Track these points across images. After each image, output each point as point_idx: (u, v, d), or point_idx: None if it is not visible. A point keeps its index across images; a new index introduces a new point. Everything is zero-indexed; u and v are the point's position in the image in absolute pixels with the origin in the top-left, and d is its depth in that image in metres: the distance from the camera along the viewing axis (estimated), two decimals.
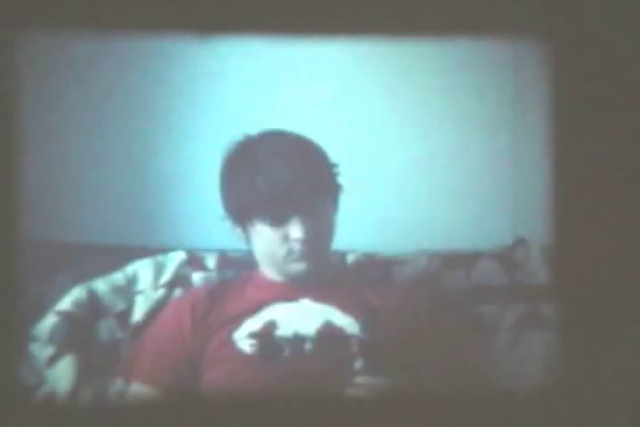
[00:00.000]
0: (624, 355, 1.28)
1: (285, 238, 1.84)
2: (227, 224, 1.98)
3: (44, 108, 2.39)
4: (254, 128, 2.22)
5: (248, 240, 1.92)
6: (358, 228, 2.08)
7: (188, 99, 2.47)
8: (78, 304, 2.02)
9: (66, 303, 2.02)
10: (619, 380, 1.28)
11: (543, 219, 1.30)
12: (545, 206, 1.29)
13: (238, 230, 1.91)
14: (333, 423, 1.33)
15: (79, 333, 1.99)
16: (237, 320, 1.88)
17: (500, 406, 1.35)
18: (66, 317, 1.99)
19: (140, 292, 2.05)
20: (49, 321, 2.00)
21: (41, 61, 2.34)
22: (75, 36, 1.54)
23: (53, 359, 1.97)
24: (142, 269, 2.07)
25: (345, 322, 1.86)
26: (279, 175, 1.84)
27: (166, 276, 2.08)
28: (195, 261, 2.11)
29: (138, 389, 1.88)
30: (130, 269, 2.07)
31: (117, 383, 1.95)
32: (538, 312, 2.05)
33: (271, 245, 1.86)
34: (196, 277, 2.08)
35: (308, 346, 1.84)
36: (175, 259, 2.10)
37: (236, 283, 1.98)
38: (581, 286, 1.28)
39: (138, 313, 2.02)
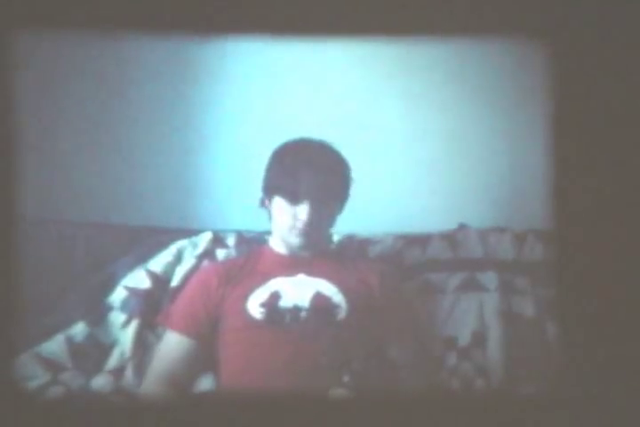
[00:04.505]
0: (623, 353, 1.30)
1: (295, 217, 2.21)
2: (254, 205, 2.30)
3: (45, 108, 2.55)
4: (260, 128, 2.59)
5: (270, 215, 2.26)
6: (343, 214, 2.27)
7: (190, 99, 2.64)
8: (140, 282, 2.40)
9: (131, 281, 2.40)
10: (618, 378, 1.31)
11: (542, 211, 1.32)
12: (545, 202, 1.30)
13: (266, 204, 2.25)
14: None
15: (146, 303, 2.37)
16: (250, 289, 2.22)
17: (500, 405, 1.39)
18: (133, 291, 2.38)
19: (180, 264, 2.44)
20: (120, 294, 2.39)
21: (41, 61, 2.48)
22: (75, 36, 1.73)
23: (125, 324, 2.35)
24: (183, 248, 2.46)
25: (332, 292, 2.22)
26: (307, 172, 2.18)
27: (198, 251, 2.46)
28: (218, 239, 2.50)
29: (170, 337, 2.24)
30: (174, 248, 2.45)
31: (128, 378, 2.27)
32: (474, 278, 2.41)
33: (283, 217, 2.22)
34: (219, 252, 2.46)
35: (303, 314, 2.18)
36: (205, 238, 2.49)
37: (251, 258, 2.33)
38: (582, 290, 1.30)
39: (176, 279, 2.41)
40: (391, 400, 1.42)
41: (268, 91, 2.67)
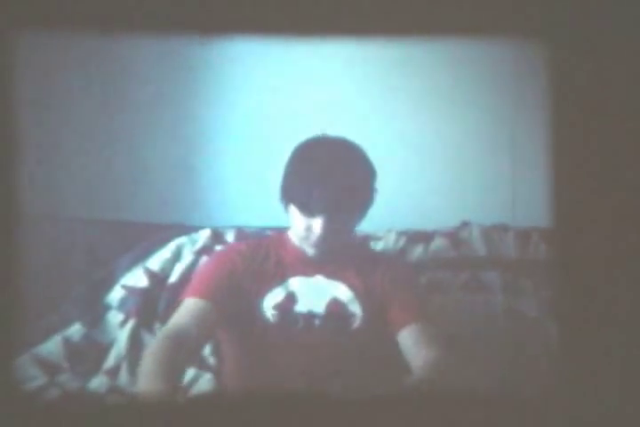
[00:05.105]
0: (624, 353, 1.27)
1: (308, 228, 2.04)
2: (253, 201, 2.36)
3: (45, 107, 2.56)
4: (258, 126, 2.57)
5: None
6: None
7: (189, 98, 2.66)
8: (138, 281, 2.39)
9: (129, 280, 2.40)
10: (619, 379, 1.28)
11: (542, 209, 1.30)
12: (546, 201, 1.27)
13: (283, 204, 2.08)
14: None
15: (143, 303, 2.36)
16: (267, 289, 2.10)
17: (501, 406, 1.34)
18: (131, 290, 2.38)
19: (179, 261, 2.43)
20: (118, 293, 2.38)
21: (41, 61, 2.49)
22: (75, 36, 1.72)
23: (123, 323, 2.35)
24: (182, 245, 2.44)
25: (348, 298, 2.10)
26: (324, 184, 1.98)
27: (196, 247, 2.45)
28: (218, 235, 2.47)
29: (183, 305, 2.06)
30: (173, 245, 2.44)
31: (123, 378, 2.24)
32: (478, 279, 2.39)
33: (297, 226, 2.06)
34: (218, 248, 2.41)
35: (317, 321, 2.09)
36: (204, 235, 2.47)
37: (272, 246, 2.17)
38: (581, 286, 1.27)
39: (174, 275, 2.40)
40: (391, 400, 1.40)
41: (268, 90, 2.68)
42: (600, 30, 1.27)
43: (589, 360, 1.28)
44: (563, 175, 1.27)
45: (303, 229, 2.06)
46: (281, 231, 2.21)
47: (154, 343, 1.97)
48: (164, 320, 2.25)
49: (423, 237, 2.50)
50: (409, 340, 2.04)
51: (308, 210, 2.03)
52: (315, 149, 2.08)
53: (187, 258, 2.44)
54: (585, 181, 1.28)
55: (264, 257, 2.16)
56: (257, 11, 1.27)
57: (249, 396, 1.73)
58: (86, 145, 2.66)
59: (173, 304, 2.19)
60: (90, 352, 2.31)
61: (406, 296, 2.13)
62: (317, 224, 2.04)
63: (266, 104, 2.67)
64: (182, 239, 2.48)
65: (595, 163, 1.28)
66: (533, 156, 2.41)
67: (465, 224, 2.55)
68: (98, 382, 2.27)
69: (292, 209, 2.07)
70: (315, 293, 2.13)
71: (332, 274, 2.15)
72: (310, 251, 2.11)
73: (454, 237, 2.50)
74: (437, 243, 2.48)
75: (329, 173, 2.01)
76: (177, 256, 2.44)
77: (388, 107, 2.68)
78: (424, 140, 2.69)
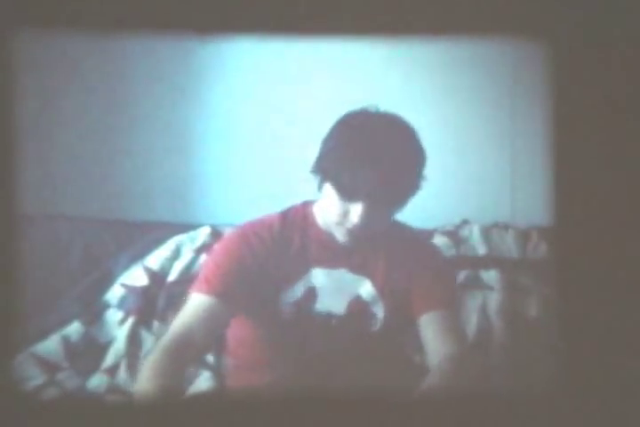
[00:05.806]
0: (626, 353, 1.28)
1: (345, 214, 1.82)
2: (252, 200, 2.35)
3: (44, 107, 2.56)
4: (258, 126, 2.56)
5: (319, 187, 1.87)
6: None
7: (189, 97, 2.65)
8: (137, 279, 2.40)
9: (128, 278, 2.40)
10: (620, 379, 1.28)
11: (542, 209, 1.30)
12: (546, 199, 1.27)
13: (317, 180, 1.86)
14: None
15: (142, 301, 2.36)
16: (288, 282, 1.92)
17: (502, 405, 1.33)
18: (130, 289, 2.38)
19: (179, 259, 2.42)
20: (117, 292, 2.39)
21: (41, 61, 2.49)
22: (74, 35, 1.73)
23: (122, 322, 2.35)
24: (181, 243, 2.44)
25: (371, 296, 1.93)
26: (371, 166, 1.76)
27: (196, 245, 2.44)
28: (217, 233, 2.45)
29: (190, 299, 1.87)
30: (172, 243, 2.44)
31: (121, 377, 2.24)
32: (478, 277, 2.38)
33: (331, 210, 1.84)
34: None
35: (334, 322, 1.92)
36: (203, 233, 2.47)
37: (296, 226, 1.95)
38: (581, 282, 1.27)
39: (173, 274, 2.39)
40: (390, 400, 1.39)
41: (267, 90, 2.66)
42: (600, 30, 1.27)
43: (590, 360, 1.28)
44: (563, 174, 1.27)
45: (338, 213, 1.83)
46: (305, 204, 2.00)
47: (158, 346, 1.79)
48: (164, 318, 2.28)
49: (423, 235, 2.41)
50: (428, 328, 1.88)
51: (348, 194, 1.80)
52: (364, 124, 1.83)
53: (186, 256, 2.44)
54: (585, 181, 1.28)
55: (287, 242, 1.95)
56: (256, 10, 1.27)
57: (249, 396, 1.77)
58: (85, 144, 2.64)
59: (173, 303, 2.20)
60: (89, 351, 2.32)
61: (434, 282, 1.95)
62: (357, 211, 1.81)
63: (265, 103, 2.66)
64: (181, 237, 2.48)
65: (595, 162, 1.28)
66: (533, 155, 2.44)
67: (465, 223, 2.55)
68: (97, 381, 2.28)
69: (328, 188, 1.84)
70: (337, 290, 1.94)
71: (358, 267, 1.95)
72: (342, 238, 1.88)
73: (454, 235, 2.50)
74: (437, 241, 2.46)
75: (378, 155, 1.77)
76: (176, 254, 2.44)
77: (387, 106, 2.50)
78: (423, 138, 2.61)
